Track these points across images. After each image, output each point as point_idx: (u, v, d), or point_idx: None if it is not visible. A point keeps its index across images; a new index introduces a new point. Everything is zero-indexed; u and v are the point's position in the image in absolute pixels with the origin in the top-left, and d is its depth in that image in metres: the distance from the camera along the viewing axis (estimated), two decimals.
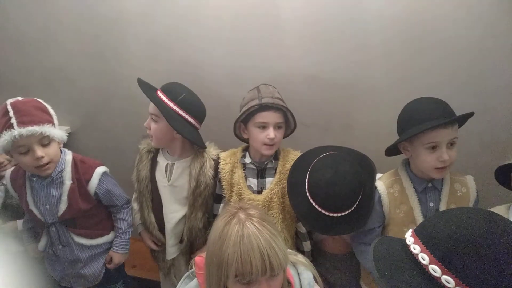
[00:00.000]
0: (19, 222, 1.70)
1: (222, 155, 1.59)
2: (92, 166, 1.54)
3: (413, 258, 0.75)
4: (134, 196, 1.72)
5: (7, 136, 1.29)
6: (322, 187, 1.31)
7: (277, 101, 1.43)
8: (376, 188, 1.39)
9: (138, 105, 1.49)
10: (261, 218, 0.91)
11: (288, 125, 1.52)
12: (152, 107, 1.50)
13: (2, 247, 1.73)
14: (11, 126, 1.29)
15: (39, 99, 1.42)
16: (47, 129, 1.35)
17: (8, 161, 1.70)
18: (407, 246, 0.78)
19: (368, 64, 1.66)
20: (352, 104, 1.59)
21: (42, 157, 1.36)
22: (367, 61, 1.66)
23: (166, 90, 1.49)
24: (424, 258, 0.73)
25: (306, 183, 1.37)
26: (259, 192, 1.53)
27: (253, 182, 1.54)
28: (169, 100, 1.46)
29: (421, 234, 0.76)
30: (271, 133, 1.42)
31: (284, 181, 1.49)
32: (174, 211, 1.62)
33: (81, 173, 1.50)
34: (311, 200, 1.34)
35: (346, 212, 1.31)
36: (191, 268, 1.07)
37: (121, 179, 1.69)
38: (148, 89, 1.51)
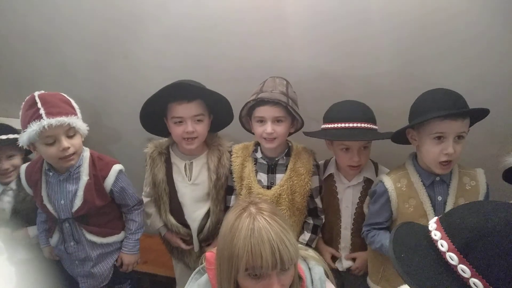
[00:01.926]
0: (30, 229, 1.67)
1: (235, 147, 1.59)
2: (109, 163, 1.53)
3: (433, 244, 0.73)
4: (146, 200, 1.67)
5: (35, 126, 1.29)
6: (335, 107, 1.43)
7: (275, 95, 1.39)
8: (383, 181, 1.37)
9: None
10: (272, 212, 0.90)
11: (296, 120, 1.49)
12: (194, 109, 1.45)
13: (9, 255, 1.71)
14: (39, 117, 1.29)
15: (63, 93, 1.43)
16: (74, 120, 1.36)
17: (13, 168, 1.66)
18: (428, 232, 0.76)
19: (375, 56, 1.64)
20: (360, 97, 1.57)
21: (68, 147, 1.36)
22: (375, 53, 1.63)
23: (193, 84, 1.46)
24: (443, 245, 0.71)
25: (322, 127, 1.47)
26: (268, 187, 1.51)
27: (263, 177, 1.52)
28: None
29: (444, 222, 0.74)
30: (268, 127, 1.41)
31: (295, 178, 1.48)
32: (197, 209, 1.60)
33: (98, 169, 1.50)
34: (326, 125, 1.42)
35: (360, 124, 1.35)
36: (201, 263, 1.06)
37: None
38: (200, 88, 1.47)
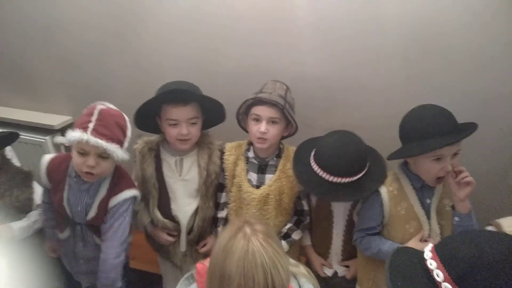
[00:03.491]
0: (15, 224, 1.54)
1: (228, 145, 1.59)
2: (125, 185, 1.47)
3: (428, 273, 0.74)
4: None
5: (77, 134, 1.28)
6: (326, 150, 1.35)
7: (273, 97, 1.41)
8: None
9: (142, 99, 1.48)
10: (266, 235, 0.88)
11: (290, 125, 1.50)
12: (190, 112, 1.45)
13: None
14: (86, 128, 1.29)
15: (125, 116, 1.40)
16: (111, 148, 1.31)
17: None
18: (424, 260, 0.77)
19: (373, 66, 1.63)
20: (356, 106, 1.57)
21: (93, 167, 1.33)
22: (372, 63, 1.62)
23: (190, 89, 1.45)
24: (438, 275, 0.72)
25: (312, 153, 1.40)
26: (257, 186, 1.52)
27: (253, 176, 1.54)
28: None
29: (440, 251, 0.75)
30: (262, 127, 1.42)
31: (284, 180, 1.49)
32: (187, 205, 1.59)
33: (115, 186, 1.46)
34: (315, 166, 1.36)
35: (348, 180, 1.32)
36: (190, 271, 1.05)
37: None
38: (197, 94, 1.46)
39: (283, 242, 1.51)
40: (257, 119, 1.45)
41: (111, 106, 1.38)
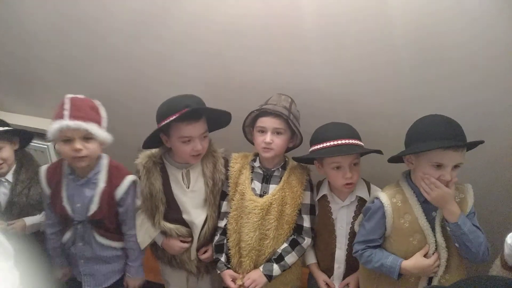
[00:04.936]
0: (28, 220, 1.64)
1: (235, 155, 1.61)
2: (124, 173, 1.55)
3: None
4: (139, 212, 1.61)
5: (56, 124, 1.37)
6: (322, 129, 1.44)
7: (278, 108, 1.44)
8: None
9: (146, 105, 1.47)
10: None
11: (295, 136, 1.52)
12: (202, 127, 1.47)
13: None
14: (62, 117, 1.37)
15: (96, 101, 1.49)
16: (92, 127, 1.40)
17: (2, 161, 1.61)
18: None
19: (379, 82, 1.63)
20: (359, 117, 1.56)
21: (81, 149, 1.40)
22: (378, 79, 1.62)
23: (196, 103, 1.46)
24: None
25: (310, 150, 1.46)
26: (261, 195, 1.52)
27: (257, 185, 1.54)
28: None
29: None
30: (267, 137, 1.45)
31: (287, 190, 1.49)
32: (198, 216, 1.58)
33: (113, 177, 1.53)
34: (314, 147, 1.43)
35: (347, 140, 1.36)
36: None
37: None
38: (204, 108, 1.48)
39: (275, 266, 1.49)
40: (262, 131, 1.47)
41: (79, 96, 1.46)
